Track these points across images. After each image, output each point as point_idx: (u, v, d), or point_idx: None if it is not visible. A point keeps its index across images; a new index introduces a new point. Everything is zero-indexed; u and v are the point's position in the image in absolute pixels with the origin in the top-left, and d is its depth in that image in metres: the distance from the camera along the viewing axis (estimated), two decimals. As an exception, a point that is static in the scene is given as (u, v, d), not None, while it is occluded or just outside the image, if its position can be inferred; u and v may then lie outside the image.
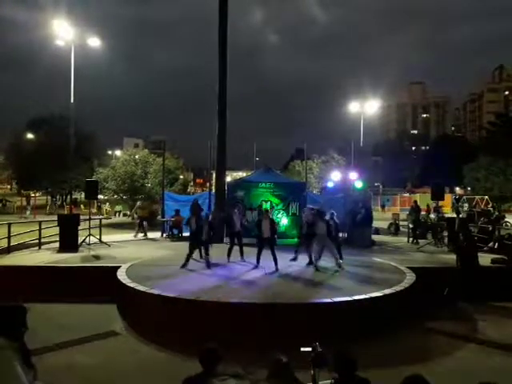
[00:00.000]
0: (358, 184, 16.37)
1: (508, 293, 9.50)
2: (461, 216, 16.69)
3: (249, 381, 0.75)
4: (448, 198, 32.51)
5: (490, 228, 15.09)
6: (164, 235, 16.28)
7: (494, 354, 6.74)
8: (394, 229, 20.23)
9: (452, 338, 7.52)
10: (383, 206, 39.95)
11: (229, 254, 10.81)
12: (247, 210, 14.42)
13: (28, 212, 32.68)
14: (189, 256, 9.82)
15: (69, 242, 12.64)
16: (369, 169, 39.47)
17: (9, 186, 60.20)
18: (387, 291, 7.94)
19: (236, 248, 10.88)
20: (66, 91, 19.09)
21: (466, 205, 32.02)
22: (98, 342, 7.14)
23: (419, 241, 15.15)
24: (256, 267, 9.90)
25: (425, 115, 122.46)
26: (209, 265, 9.82)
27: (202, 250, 10.33)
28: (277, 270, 9.65)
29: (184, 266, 9.72)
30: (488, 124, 66.17)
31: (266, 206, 14.75)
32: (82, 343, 6.97)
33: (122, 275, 9.00)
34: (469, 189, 48.96)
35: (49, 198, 43.53)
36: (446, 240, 14.34)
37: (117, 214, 35.52)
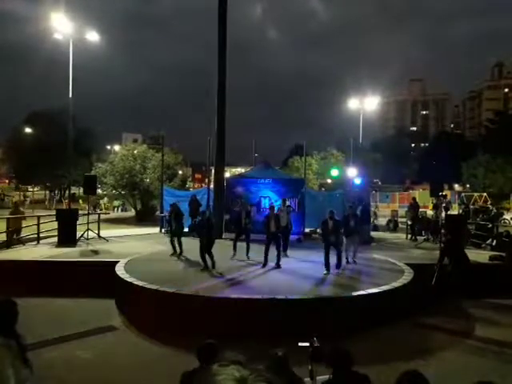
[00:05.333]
0: (357, 180, 16.39)
1: (505, 290, 9.53)
2: (448, 213, 16.63)
3: (249, 369, 0.75)
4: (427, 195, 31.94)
5: (489, 225, 15.11)
6: (162, 230, 16.27)
7: (491, 350, 6.78)
8: (393, 225, 20.28)
9: (449, 334, 7.56)
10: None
11: (234, 249, 10.88)
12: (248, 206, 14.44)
13: (26, 206, 32.62)
14: (179, 245, 11.13)
15: (67, 237, 12.64)
16: (368, 165, 39.36)
17: (7, 181, 60.04)
18: (385, 287, 7.97)
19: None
20: (64, 86, 19.04)
21: (464, 201, 32.04)
22: (97, 336, 7.15)
23: (417, 237, 15.21)
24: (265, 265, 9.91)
25: (424, 112, 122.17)
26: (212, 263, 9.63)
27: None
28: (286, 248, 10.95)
29: (180, 253, 10.99)
30: (487, 121, 66.14)
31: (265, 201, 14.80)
32: (80, 338, 6.99)
33: (120, 270, 9.01)
34: (467, 186, 49.01)
35: (47, 192, 43.45)
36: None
37: (115, 209, 35.57)
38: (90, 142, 42.00)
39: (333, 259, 9.42)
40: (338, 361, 3.25)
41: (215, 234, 10.28)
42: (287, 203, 12.79)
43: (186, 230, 13.06)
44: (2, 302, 2.94)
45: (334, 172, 16.06)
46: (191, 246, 11.37)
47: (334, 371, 3.19)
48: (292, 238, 12.21)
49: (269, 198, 15.10)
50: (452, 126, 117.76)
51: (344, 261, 10.36)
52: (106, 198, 35.59)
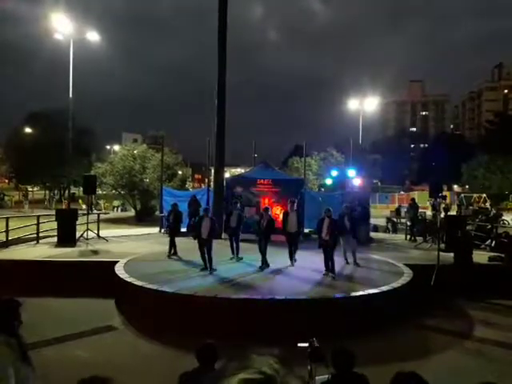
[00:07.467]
0: (356, 181, 16.41)
1: (504, 290, 9.55)
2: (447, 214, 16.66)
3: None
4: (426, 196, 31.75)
5: (488, 226, 15.12)
6: (162, 230, 16.27)
7: (490, 351, 6.77)
8: (391, 226, 20.27)
9: (449, 335, 7.56)
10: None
11: (232, 251, 10.79)
12: (245, 207, 14.44)
13: (26, 206, 32.60)
14: (170, 246, 11.10)
15: (67, 237, 12.64)
16: (367, 166, 39.42)
17: (7, 180, 60.05)
18: (384, 288, 7.97)
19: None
20: (65, 86, 19.06)
21: (463, 202, 32.03)
22: (96, 336, 7.15)
23: (416, 238, 15.22)
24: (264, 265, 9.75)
25: (424, 113, 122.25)
26: (210, 264, 9.46)
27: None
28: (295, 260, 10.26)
29: (169, 253, 10.94)
30: (487, 122, 66.23)
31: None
32: (79, 338, 6.98)
33: (119, 270, 9.01)
34: (467, 187, 49.04)
35: (47, 192, 43.41)
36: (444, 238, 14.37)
37: (115, 209, 35.56)
38: (89, 142, 41.99)
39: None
40: (341, 361, 3.25)
41: (216, 234, 10.23)
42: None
43: (184, 230, 13.13)
44: (4, 300, 2.94)
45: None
46: (190, 245, 11.38)
47: (336, 371, 3.20)
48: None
49: (268, 198, 15.11)
50: (452, 126, 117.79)
51: (343, 262, 10.35)
52: (102, 200, 35.63)
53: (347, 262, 10.40)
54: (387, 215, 23.24)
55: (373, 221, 17.59)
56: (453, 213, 24.27)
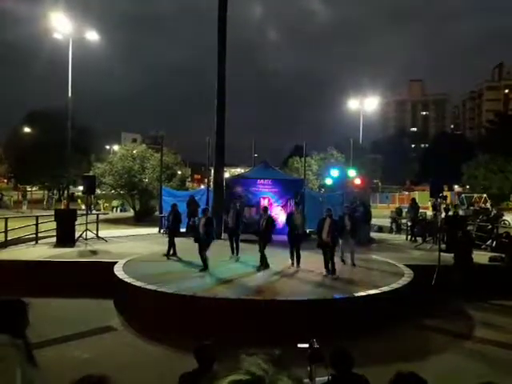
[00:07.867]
0: (357, 181, 16.36)
1: (505, 291, 9.51)
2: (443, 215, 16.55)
3: (277, 365, 0.74)
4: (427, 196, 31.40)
5: (489, 226, 15.08)
6: (161, 231, 16.22)
7: (490, 351, 6.74)
8: (395, 226, 20.21)
9: (449, 335, 7.53)
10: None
11: (232, 251, 10.77)
12: (245, 207, 14.41)
13: (24, 207, 32.54)
14: (169, 246, 11.00)
15: (66, 237, 12.61)
16: (368, 166, 39.42)
17: (5, 180, 60.00)
18: (385, 289, 7.94)
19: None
20: (64, 85, 19.04)
21: (464, 202, 31.96)
22: (95, 337, 7.13)
23: (417, 238, 15.19)
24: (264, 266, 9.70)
25: (424, 113, 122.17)
26: (206, 263, 9.44)
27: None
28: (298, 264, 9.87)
29: (167, 254, 10.85)
30: (487, 122, 66.20)
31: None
32: (78, 338, 6.96)
33: (119, 271, 8.99)
34: (467, 187, 48.98)
35: (46, 192, 43.36)
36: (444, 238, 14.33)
37: (114, 210, 35.50)
38: (88, 142, 41.92)
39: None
40: (339, 362, 3.23)
41: (211, 231, 10.16)
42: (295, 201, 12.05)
43: (183, 230, 13.10)
44: (11, 301, 2.91)
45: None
46: (190, 246, 11.34)
47: (336, 372, 3.17)
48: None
49: (268, 198, 15.08)
50: (452, 126, 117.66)
51: (341, 262, 10.29)
52: (102, 200, 35.59)
53: (344, 263, 10.34)
54: (388, 215, 23.18)
55: (375, 221, 17.56)
56: (450, 213, 24.25)
